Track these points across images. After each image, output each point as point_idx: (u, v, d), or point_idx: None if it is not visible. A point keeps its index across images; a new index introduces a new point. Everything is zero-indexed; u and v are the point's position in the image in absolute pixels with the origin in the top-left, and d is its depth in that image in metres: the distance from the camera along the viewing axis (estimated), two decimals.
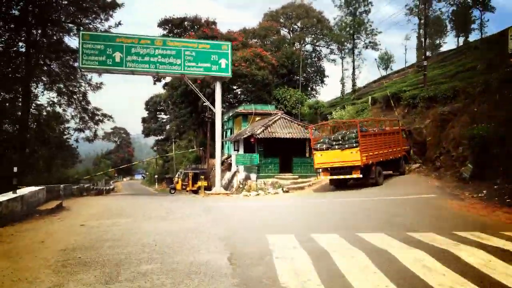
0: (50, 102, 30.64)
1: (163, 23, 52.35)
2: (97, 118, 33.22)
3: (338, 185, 23.08)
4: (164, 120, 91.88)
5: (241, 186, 30.85)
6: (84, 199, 22.54)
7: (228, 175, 37.65)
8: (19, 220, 12.47)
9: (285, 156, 29.50)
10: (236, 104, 51.85)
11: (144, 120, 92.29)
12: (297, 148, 30.11)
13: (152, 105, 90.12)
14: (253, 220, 12.49)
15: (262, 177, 28.09)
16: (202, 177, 30.92)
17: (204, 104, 35.38)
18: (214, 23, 53.46)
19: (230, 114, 43.65)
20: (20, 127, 28.54)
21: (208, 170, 42.91)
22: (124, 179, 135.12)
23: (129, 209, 15.12)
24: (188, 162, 56.96)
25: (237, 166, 29.42)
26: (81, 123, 32.95)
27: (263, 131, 28.25)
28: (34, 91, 29.75)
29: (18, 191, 14.65)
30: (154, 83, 54.75)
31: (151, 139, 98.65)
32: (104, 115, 33.61)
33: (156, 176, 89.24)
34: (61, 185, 22.74)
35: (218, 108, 29.49)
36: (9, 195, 13.22)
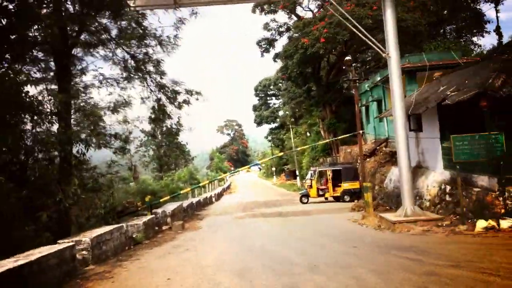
0: (101, 79, 18.06)
1: None
2: (180, 98, 20.07)
3: None
4: (276, 106, 79.02)
5: (446, 199, 15.45)
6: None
7: (393, 174, 22.35)
8: None
9: None
10: (361, 76, 35.91)
11: (255, 108, 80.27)
12: None
13: (262, 89, 77.62)
14: None
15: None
16: (370, 186, 16.10)
17: (347, 58, 20.44)
18: None
19: (378, 78, 28.11)
20: (63, 127, 16.15)
21: (354, 164, 28.04)
22: (241, 172, 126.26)
23: None
24: (315, 153, 42.61)
25: (450, 162, 13.81)
26: (155, 108, 20.01)
27: (504, 82, 12.52)
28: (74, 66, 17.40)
29: None
30: (262, 55, 41.04)
31: (264, 128, 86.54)
32: (190, 92, 20.31)
33: (273, 168, 77.24)
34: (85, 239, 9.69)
35: (393, 48, 14.35)
36: None
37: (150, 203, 15.31)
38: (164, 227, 16.14)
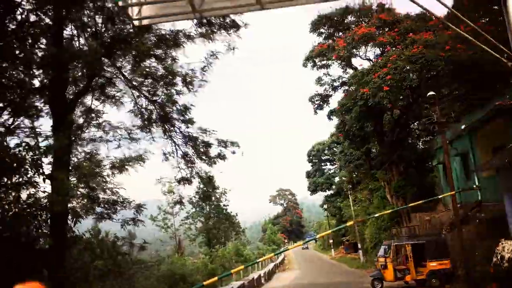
0: (108, 129, 13.85)
1: (318, 24, 34.84)
2: (212, 151, 15.30)
3: None
4: (331, 171, 73.44)
5: None
6: None
7: (505, 249, 16.03)
8: None
9: None
10: (434, 129, 29.87)
11: (308, 175, 75.02)
12: None
13: (315, 154, 72.72)
14: None
15: None
16: None
17: (431, 93, 15.23)
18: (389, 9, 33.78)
19: (462, 126, 22.37)
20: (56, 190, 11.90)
21: (440, 237, 21.73)
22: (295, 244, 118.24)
23: None
24: (381, 222, 36.19)
25: None
26: (181, 162, 15.36)
27: None
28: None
29: None
30: (315, 112, 36.58)
31: (319, 196, 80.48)
32: (223, 143, 15.39)
33: (331, 240, 69.90)
34: None
35: None
36: None
37: None
38: None
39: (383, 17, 30.84)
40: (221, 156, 15.03)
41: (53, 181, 11.98)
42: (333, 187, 69.67)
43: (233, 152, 15.09)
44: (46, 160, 12.51)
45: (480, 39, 9.54)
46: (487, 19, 26.65)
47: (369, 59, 33.16)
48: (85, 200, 12.00)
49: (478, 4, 27.58)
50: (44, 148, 11.94)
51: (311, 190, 73.12)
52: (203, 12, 10.02)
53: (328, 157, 72.73)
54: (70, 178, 12.71)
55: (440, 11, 28.72)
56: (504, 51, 9.02)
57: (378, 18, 31.07)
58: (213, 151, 15.13)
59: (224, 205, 50.81)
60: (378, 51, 32.48)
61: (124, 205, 13.04)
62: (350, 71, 34.72)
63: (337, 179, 69.87)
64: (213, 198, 20.00)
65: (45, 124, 15.08)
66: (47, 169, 12.32)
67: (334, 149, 69.05)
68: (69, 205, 11.58)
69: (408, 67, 25.94)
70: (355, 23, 33.75)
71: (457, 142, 24.24)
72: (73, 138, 13.28)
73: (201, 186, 16.69)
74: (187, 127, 14.89)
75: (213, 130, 14.88)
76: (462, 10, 23.17)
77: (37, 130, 12.90)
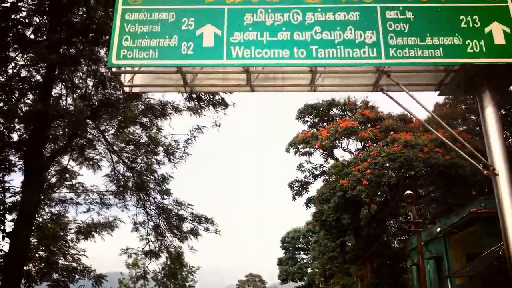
0: (80, 191, 13.42)
1: (304, 113, 36.15)
2: (185, 226, 14.90)
3: None
4: (305, 261, 71.65)
5: None
6: None
7: None
8: None
9: None
10: (409, 228, 30.19)
11: (280, 262, 72.94)
12: None
13: (289, 241, 71.36)
14: None
15: None
16: None
17: (408, 193, 15.51)
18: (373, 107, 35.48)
19: (438, 229, 22.53)
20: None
21: None
22: None
23: None
24: None
25: None
26: (151, 233, 14.84)
27: None
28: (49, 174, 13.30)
29: None
30: (294, 198, 36.65)
31: (289, 286, 77.59)
32: (198, 218, 14.95)
33: None
34: None
35: (500, 160, 9.55)
36: None
37: None
38: None
39: (366, 114, 32.23)
40: (194, 232, 14.67)
41: (13, 240, 11.45)
42: (305, 278, 67.55)
43: (207, 229, 14.79)
44: (10, 217, 12.09)
45: (457, 145, 9.93)
46: (465, 128, 28.10)
47: (350, 152, 34.10)
48: (43, 264, 11.39)
49: (457, 112, 29.21)
50: (10, 204, 11.56)
51: (282, 279, 70.57)
52: (194, 87, 10.35)
53: (303, 245, 71.33)
54: (31, 239, 12.16)
55: (421, 115, 30.28)
56: (481, 160, 9.37)
57: (361, 114, 32.47)
58: (187, 225, 14.84)
59: (189, 286, 48.66)
60: (359, 145, 33.54)
61: (84, 274, 12.40)
62: (331, 161, 35.48)
63: (309, 270, 67.99)
64: (179, 276, 19.06)
65: (16, 179, 14.73)
66: (9, 226, 11.86)
67: (309, 238, 68.03)
68: (24, 267, 10.98)
69: (387, 164, 26.63)
70: (339, 116, 35.17)
71: (432, 244, 24.24)
72: (42, 197, 12.91)
73: (168, 262, 16.04)
74: (163, 198, 14.77)
75: (189, 204, 14.74)
76: (441, 116, 24.49)
77: (6, 184, 12.51)
